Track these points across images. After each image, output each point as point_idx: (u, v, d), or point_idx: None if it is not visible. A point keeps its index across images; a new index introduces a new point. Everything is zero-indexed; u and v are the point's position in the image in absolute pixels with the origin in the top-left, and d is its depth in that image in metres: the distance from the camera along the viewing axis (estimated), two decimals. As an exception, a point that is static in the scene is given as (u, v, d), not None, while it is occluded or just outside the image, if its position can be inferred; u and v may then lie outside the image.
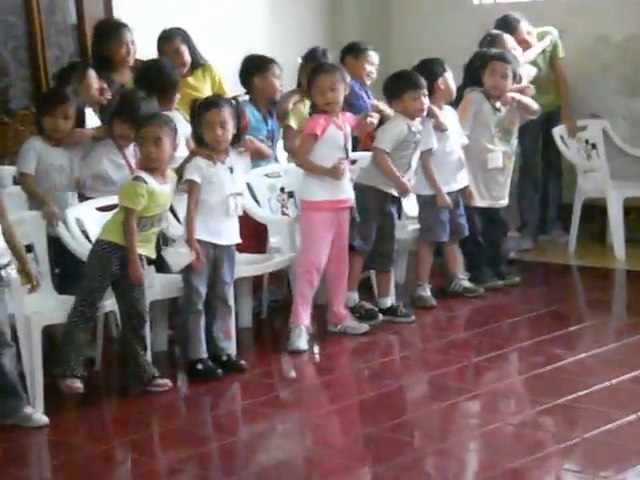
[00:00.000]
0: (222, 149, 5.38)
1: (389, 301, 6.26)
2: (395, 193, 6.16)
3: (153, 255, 5.29)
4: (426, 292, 6.49)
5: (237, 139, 5.47)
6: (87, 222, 5.53)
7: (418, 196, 6.49)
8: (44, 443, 4.69)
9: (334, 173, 5.69)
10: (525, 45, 7.35)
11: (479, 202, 6.73)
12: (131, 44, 6.64)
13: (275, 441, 4.78)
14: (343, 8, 8.64)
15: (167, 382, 5.22)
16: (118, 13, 7.31)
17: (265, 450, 4.63)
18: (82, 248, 5.38)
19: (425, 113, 6.19)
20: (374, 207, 6.10)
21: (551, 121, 7.56)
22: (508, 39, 7.14)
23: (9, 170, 6.35)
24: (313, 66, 6.05)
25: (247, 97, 6.49)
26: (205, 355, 5.37)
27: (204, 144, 5.37)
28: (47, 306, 5.25)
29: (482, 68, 6.69)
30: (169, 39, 6.77)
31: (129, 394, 5.17)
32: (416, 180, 6.40)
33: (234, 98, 5.69)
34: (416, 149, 6.17)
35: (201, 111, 5.38)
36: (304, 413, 5.11)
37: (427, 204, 6.46)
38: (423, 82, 6.13)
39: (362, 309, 6.15)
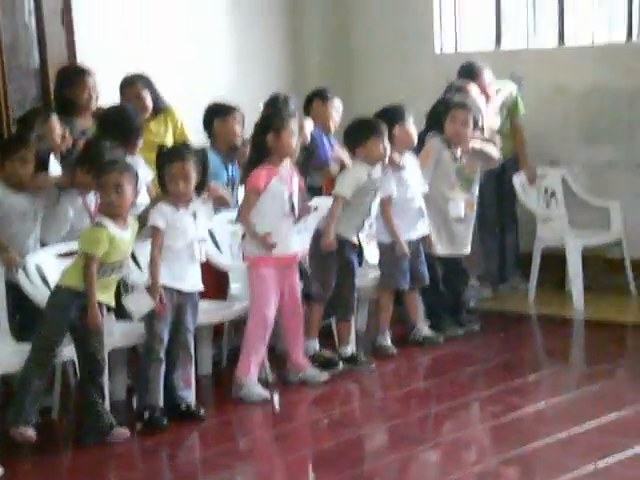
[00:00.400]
0: (185, 200, 5.39)
1: (349, 349, 6.25)
2: (355, 241, 6.18)
3: (113, 303, 5.27)
4: (387, 341, 6.49)
5: (202, 186, 5.47)
6: (47, 269, 5.50)
7: (379, 243, 6.52)
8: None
9: (263, 244, 5.69)
10: (485, 96, 7.42)
11: (440, 251, 6.76)
12: (93, 89, 6.63)
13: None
14: (306, 54, 8.68)
15: (125, 432, 5.17)
16: (81, 57, 7.31)
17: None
18: (41, 295, 5.35)
19: (386, 160, 6.22)
20: (333, 254, 6.12)
21: (506, 171, 7.62)
22: (473, 88, 7.21)
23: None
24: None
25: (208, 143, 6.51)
26: (161, 404, 5.33)
27: (168, 191, 5.39)
28: (4, 353, 5.20)
29: (444, 115, 6.75)
30: (131, 84, 6.78)
31: (86, 444, 5.11)
32: (376, 227, 6.43)
33: (202, 149, 5.68)
34: (375, 196, 6.20)
35: (165, 162, 5.39)
36: (263, 463, 5.08)
37: (387, 251, 6.48)
38: (385, 128, 6.18)
39: (322, 357, 6.13)
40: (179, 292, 5.40)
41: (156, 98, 6.85)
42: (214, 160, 6.38)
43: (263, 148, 5.71)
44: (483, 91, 7.37)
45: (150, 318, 5.33)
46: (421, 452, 5.00)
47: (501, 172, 7.59)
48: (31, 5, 7.27)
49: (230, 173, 6.59)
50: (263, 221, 5.69)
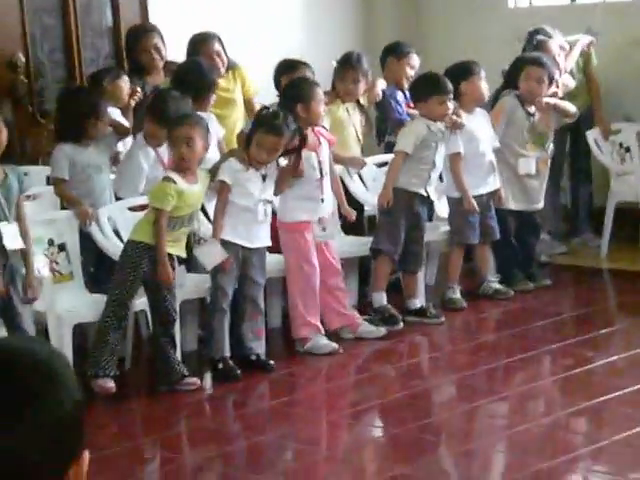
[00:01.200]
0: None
1: (418, 302, 6.25)
2: (424, 193, 6.16)
3: (184, 254, 5.32)
4: (456, 294, 6.47)
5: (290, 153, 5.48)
6: (119, 222, 5.57)
7: (448, 198, 6.49)
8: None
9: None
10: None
11: (512, 205, 6.71)
12: (158, 48, 6.66)
13: (302, 440, 4.79)
14: (376, 11, 8.64)
15: (196, 381, 5.24)
16: (153, 16, 7.36)
17: (291, 449, 4.65)
18: (114, 248, 5.43)
19: (448, 119, 6.18)
20: (402, 208, 6.11)
21: (579, 125, 7.51)
22: (553, 45, 7.10)
23: (43, 170, 6.41)
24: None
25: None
26: (227, 354, 5.37)
27: (248, 148, 5.39)
28: (79, 304, 5.30)
29: (519, 72, 6.68)
30: (205, 41, 6.78)
31: (158, 393, 5.20)
32: (446, 182, 6.40)
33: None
34: (437, 148, 6.15)
35: (260, 129, 5.37)
36: (330, 414, 5.12)
37: (456, 206, 6.45)
38: (450, 87, 6.12)
39: (386, 312, 6.12)
40: (243, 247, 5.42)
41: (226, 55, 6.88)
42: None
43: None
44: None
45: (215, 271, 5.37)
46: (489, 404, 5.00)
47: (575, 127, 7.49)
48: (104, -35, 7.35)
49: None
50: (296, 189, 5.67)
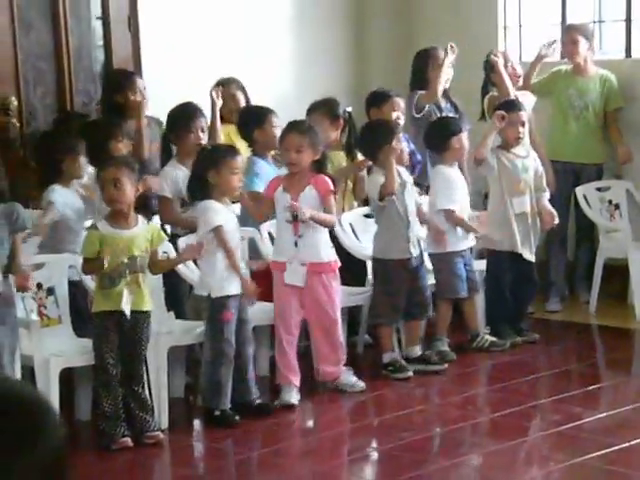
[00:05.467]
0: (234, 195, 5.40)
1: (419, 350, 6.21)
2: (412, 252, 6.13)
3: (145, 307, 5.10)
4: (445, 346, 6.44)
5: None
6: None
7: (431, 255, 6.44)
8: None
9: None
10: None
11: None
12: (143, 92, 6.66)
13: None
14: (370, 58, 8.60)
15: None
16: (146, 64, 7.38)
17: None
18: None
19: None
20: (398, 277, 6.08)
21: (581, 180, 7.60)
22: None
23: (33, 214, 6.37)
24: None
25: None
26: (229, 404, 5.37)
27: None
28: (66, 349, 5.25)
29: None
30: (224, 85, 6.85)
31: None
32: (427, 238, 6.39)
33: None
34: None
35: (217, 159, 5.39)
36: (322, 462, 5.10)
37: (442, 262, 6.43)
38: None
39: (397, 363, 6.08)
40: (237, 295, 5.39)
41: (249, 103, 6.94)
42: (265, 166, 6.34)
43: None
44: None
45: (217, 325, 5.31)
46: (475, 458, 4.96)
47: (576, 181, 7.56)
48: (98, 11, 7.37)
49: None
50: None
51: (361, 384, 5.81)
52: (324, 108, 6.55)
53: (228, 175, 5.33)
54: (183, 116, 6.18)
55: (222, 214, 5.33)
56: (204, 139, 6.13)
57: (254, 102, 6.97)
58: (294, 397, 5.57)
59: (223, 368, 5.31)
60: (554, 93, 7.66)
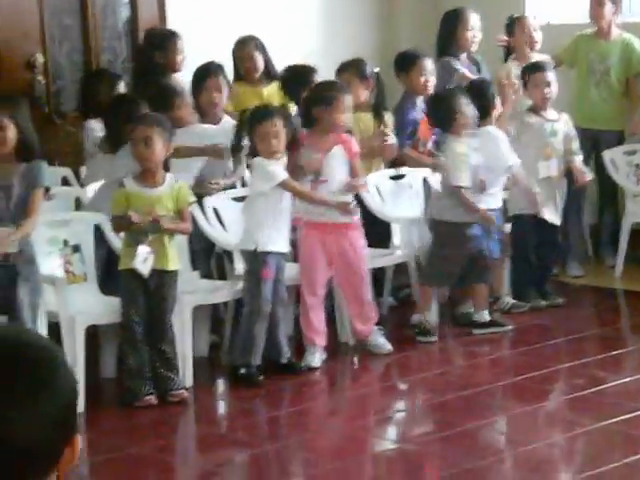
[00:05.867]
0: (277, 159, 5.37)
1: (486, 315, 6.21)
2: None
3: (173, 266, 5.12)
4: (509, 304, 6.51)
5: (291, 144, 5.44)
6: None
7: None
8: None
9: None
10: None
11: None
12: (182, 52, 6.66)
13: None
14: (397, 15, 8.52)
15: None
16: (172, 19, 7.35)
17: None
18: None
19: None
20: (455, 241, 6.06)
21: (601, 144, 7.49)
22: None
23: (60, 171, 6.40)
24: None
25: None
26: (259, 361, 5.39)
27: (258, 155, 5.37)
28: (92, 306, 5.27)
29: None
30: (242, 44, 6.83)
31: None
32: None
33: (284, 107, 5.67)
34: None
35: (254, 123, 5.37)
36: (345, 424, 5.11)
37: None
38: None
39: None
40: (279, 253, 5.40)
41: (268, 63, 6.87)
42: None
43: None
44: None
45: (257, 280, 5.32)
46: (498, 421, 4.98)
47: (598, 145, 7.48)
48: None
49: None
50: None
51: (388, 346, 5.80)
52: (353, 68, 6.48)
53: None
54: (199, 75, 6.14)
55: (278, 168, 5.35)
56: (219, 98, 6.07)
57: (281, 61, 6.92)
58: (317, 359, 5.58)
59: (257, 325, 5.33)
60: (577, 59, 7.55)
